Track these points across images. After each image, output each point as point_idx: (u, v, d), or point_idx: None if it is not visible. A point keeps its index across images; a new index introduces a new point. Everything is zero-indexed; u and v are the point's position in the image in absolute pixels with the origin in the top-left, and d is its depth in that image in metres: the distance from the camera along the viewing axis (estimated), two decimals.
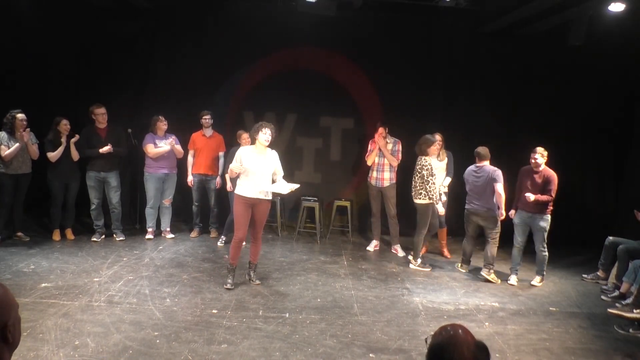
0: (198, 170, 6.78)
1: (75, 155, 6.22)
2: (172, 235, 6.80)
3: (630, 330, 4.50)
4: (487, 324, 4.55)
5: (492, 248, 5.82)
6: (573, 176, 7.36)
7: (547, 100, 7.44)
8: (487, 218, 5.84)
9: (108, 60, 7.26)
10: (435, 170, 6.08)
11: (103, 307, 4.35)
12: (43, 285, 4.77)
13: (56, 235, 6.35)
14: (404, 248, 6.76)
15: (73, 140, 6.16)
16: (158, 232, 6.81)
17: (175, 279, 5.22)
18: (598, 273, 6.00)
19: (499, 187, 5.68)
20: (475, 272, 6.01)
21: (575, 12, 5.94)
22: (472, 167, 6.02)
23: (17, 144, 5.86)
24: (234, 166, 4.92)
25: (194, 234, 6.99)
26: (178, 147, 6.64)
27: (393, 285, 5.49)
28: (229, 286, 4.99)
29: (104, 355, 3.52)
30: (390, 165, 6.68)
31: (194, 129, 6.86)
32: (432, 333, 1.74)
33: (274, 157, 5.08)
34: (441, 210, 6.19)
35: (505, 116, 7.47)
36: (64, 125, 6.13)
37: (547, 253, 5.68)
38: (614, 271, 5.71)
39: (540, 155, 5.63)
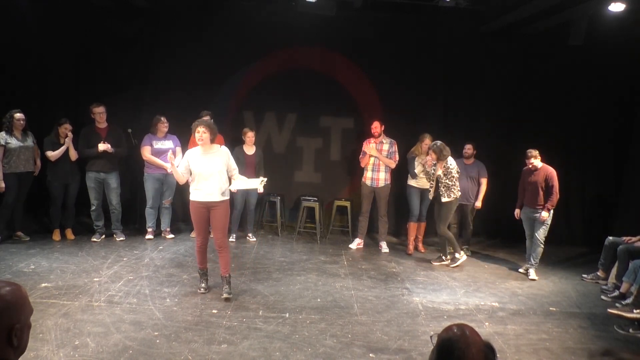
0: None
1: (73, 155, 6.22)
2: (172, 235, 6.80)
3: (630, 330, 4.49)
4: (487, 324, 4.55)
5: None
6: (573, 175, 7.37)
7: (547, 100, 7.44)
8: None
9: (108, 59, 7.24)
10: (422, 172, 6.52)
11: (103, 307, 4.35)
12: (43, 285, 4.77)
13: (56, 235, 6.34)
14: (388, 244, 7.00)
15: (68, 138, 6.16)
16: (158, 232, 6.81)
17: (175, 279, 5.22)
18: (598, 273, 6.00)
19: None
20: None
21: (575, 12, 5.93)
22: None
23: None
24: (177, 176, 4.83)
25: (194, 233, 6.97)
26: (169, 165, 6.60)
27: (393, 285, 5.49)
28: (202, 290, 4.85)
29: (104, 355, 3.52)
30: (387, 165, 6.70)
31: None
32: (434, 332, 1.74)
33: (223, 154, 4.74)
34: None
35: (505, 116, 7.48)
36: (64, 127, 6.13)
37: (543, 246, 5.94)
38: (614, 271, 5.70)
39: (534, 159, 5.90)
